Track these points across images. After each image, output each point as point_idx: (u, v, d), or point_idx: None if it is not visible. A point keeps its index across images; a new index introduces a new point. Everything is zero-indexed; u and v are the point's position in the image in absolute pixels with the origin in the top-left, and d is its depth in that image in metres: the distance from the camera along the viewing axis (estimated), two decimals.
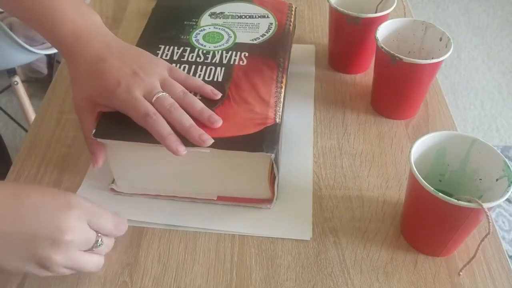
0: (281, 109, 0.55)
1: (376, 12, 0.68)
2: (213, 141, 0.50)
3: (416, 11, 2.34)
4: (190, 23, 0.66)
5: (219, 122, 0.52)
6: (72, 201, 0.45)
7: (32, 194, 0.44)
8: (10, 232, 0.42)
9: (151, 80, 0.53)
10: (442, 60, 0.59)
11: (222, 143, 0.51)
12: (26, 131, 1.41)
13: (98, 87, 0.53)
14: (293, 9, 0.70)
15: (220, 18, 0.67)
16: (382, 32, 0.63)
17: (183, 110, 0.52)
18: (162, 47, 0.62)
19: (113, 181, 0.57)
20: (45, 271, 0.44)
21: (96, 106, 0.54)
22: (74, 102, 0.55)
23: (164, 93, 0.52)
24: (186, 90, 0.54)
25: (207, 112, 0.53)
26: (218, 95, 0.55)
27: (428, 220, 0.49)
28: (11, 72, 1.36)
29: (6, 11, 0.61)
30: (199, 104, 0.53)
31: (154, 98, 0.52)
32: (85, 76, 0.54)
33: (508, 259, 0.51)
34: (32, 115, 1.43)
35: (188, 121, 0.51)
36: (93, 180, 0.58)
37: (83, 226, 0.45)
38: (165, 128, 0.50)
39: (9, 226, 0.42)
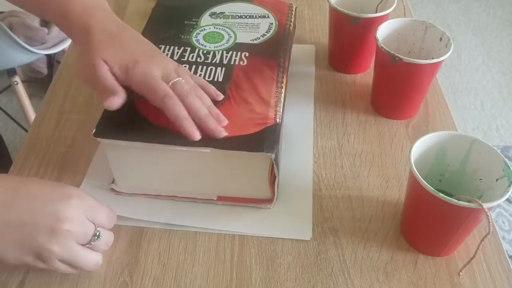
0: (281, 109, 0.55)
1: (376, 12, 0.68)
2: (226, 133, 0.51)
3: (416, 11, 2.34)
4: (190, 23, 0.66)
5: (225, 122, 0.53)
6: (72, 192, 0.45)
7: (31, 186, 0.45)
8: (7, 222, 0.43)
9: (167, 65, 0.53)
10: (442, 60, 0.59)
11: (223, 143, 0.50)
12: (26, 131, 1.41)
13: (115, 57, 0.52)
14: (293, 9, 0.70)
15: (220, 18, 0.67)
16: (382, 32, 0.63)
17: (198, 99, 0.52)
18: (162, 47, 0.62)
19: (113, 181, 0.57)
20: (43, 263, 0.44)
21: (108, 67, 0.52)
22: (86, 61, 0.52)
23: (181, 78, 0.52)
24: (196, 85, 0.54)
25: (216, 110, 0.53)
26: (220, 96, 0.56)
27: (428, 220, 0.49)
28: (11, 72, 1.36)
29: (12, 2, 0.60)
30: (208, 100, 0.54)
31: (172, 81, 0.52)
32: (101, 44, 0.52)
33: (508, 259, 0.51)
34: (32, 115, 1.44)
35: (204, 110, 0.52)
36: (93, 180, 0.58)
37: (81, 217, 0.45)
38: (182, 111, 0.50)
39: (5, 216, 0.43)
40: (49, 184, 0.46)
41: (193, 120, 0.51)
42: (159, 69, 0.52)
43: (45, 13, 0.58)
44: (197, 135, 0.50)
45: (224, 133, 0.51)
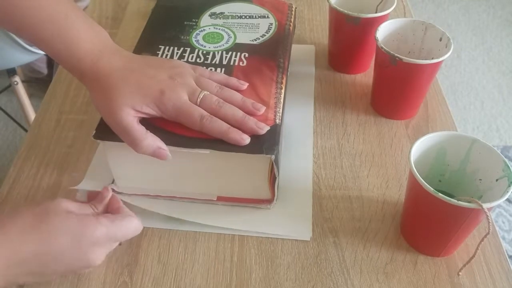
0: (281, 110, 0.55)
1: (376, 12, 0.68)
2: (268, 127, 0.51)
3: (416, 11, 2.34)
4: (190, 23, 0.66)
5: (263, 108, 0.54)
6: (94, 238, 0.46)
7: (54, 242, 0.44)
8: (46, 272, 0.45)
9: (188, 81, 0.53)
10: (442, 60, 0.59)
11: (222, 144, 0.50)
12: (26, 131, 1.41)
13: (138, 95, 0.50)
14: (293, 9, 0.70)
15: (220, 19, 0.67)
16: (382, 32, 0.63)
17: (229, 104, 0.53)
18: (162, 47, 0.62)
19: (113, 181, 0.57)
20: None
21: (136, 112, 0.51)
22: (114, 115, 0.50)
23: (206, 92, 0.53)
24: (220, 85, 0.55)
25: (248, 100, 0.54)
26: (245, 85, 0.56)
27: (428, 220, 0.49)
28: (11, 72, 1.36)
29: (11, 31, 0.56)
30: (238, 95, 0.54)
31: (199, 99, 0.52)
32: (118, 86, 0.51)
33: (508, 259, 0.51)
34: (32, 115, 1.43)
35: (239, 112, 0.52)
36: (93, 180, 0.58)
37: (107, 251, 0.48)
38: (223, 124, 0.51)
39: (43, 267, 0.44)
40: (70, 233, 0.45)
41: (233, 125, 0.51)
42: (185, 91, 0.52)
43: (44, 45, 0.53)
44: (246, 140, 0.50)
45: (266, 128, 0.52)
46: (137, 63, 0.53)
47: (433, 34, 0.63)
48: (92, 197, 0.52)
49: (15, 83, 1.37)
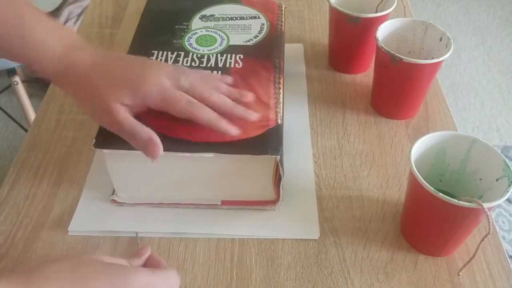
0: (281, 110, 0.55)
1: (376, 12, 0.68)
2: (258, 115, 0.52)
3: (416, 11, 2.34)
4: (182, 27, 0.65)
5: (250, 96, 0.53)
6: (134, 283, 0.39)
7: (89, 285, 0.38)
8: None
9: (169, 68, 0.51)
10: (442, 60, 0.59)
11: (225, 147, 0.50)
12: (26, 131, 1.41)
13: (125, 90, 0.48)
14: (283, 8, 0.70)
15: (211, 21, 0.66)
16: (382, 32, 0.63)
17: (217, 92, 0.51)
18: (155, 52, 0.61)
19: (113, 192, 0.56)
20: None
21: (125, 107, 0.48)
22: (104, 114, 0.48)
23: (190, 78, 0.50)
24: (204, 77, 0.53)
25: (233, 90, 0.54)
26: (227, 77, 0.56)
27: (428, 220, 0.49)
28: (11, 72, 1.36)
29: None
30: (223, 86, 0.54)
31: (183, 87, 0.49)
32: (99, 83, 0.48)
33: (508, 259, 0.51)
34: (32, 115, 1.43)
35: (227, 100, 0.51)
36: (93, 190, 0.57)
37: None
38: (211, 113, 0.49)
39: None
40: (108, 279, 0.38)
41: (224, 112, 0.50)
42: (168, 77, 0.49)
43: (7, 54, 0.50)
44: (235, 131, 0.50)
45: (255, 114, 0.51)
46: (112, 57, 0.51)
47: (433, 34, 0.63)
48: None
49: (15, 83, 1.37)
